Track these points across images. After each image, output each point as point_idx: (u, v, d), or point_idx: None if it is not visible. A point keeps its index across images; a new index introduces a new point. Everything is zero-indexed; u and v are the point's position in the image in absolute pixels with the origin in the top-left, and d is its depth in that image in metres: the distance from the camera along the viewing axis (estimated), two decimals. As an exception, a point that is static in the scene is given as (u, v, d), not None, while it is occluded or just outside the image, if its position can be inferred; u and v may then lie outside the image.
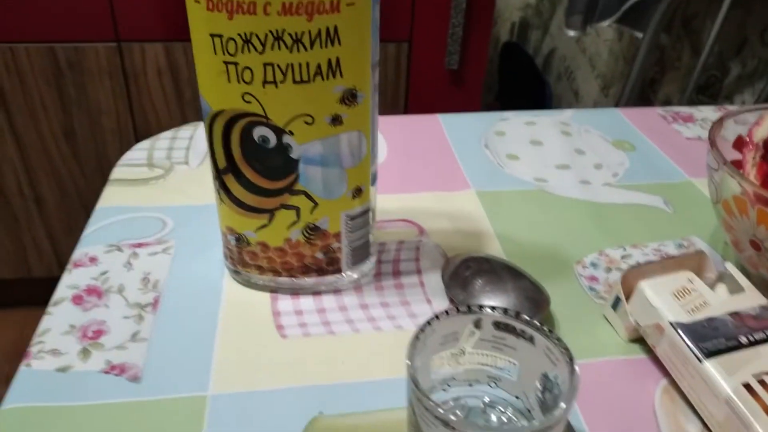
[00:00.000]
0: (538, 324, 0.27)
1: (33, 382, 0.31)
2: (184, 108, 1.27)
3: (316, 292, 0.38)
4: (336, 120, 0.32)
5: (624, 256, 0.42)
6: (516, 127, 0.57)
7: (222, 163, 0.33)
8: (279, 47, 0.29)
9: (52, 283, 1.47)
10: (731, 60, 1.16)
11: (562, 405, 0.24)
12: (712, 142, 0.37)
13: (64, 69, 1.19)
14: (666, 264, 0.35)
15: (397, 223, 0.44)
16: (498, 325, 0.28)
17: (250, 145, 0.32)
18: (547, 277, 0.40)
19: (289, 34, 0.29)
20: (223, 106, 0.31)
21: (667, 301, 0.33)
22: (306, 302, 0.37)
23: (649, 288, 0.33)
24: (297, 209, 0.34)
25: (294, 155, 0.32)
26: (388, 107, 1.34)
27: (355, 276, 0.38)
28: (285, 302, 0.37)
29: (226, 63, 0.30)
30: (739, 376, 0.29)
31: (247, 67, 0.30)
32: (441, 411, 0.23)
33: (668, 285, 0.34)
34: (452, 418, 0.23)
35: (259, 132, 0.32)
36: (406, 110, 1.35)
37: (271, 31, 0.29)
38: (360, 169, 0.34)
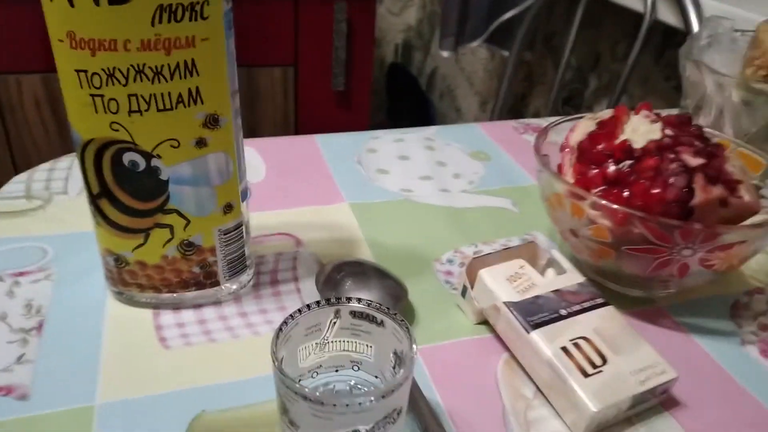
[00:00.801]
0: (386, 309, 0.31)
1: None
2: (66, 139, 1.24)
3: (196, 305, 0.41)
4: (201, 143, 0.35)
5: (476, 252, 0.48)
6: (386, 144, 0.63)
7: (95, 188, 0.36)
8: (141, 79, 0.32)
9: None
10: (589, 73, 1.29)
11: (401, 371, 0.28)
12: (536, 148, 0.44)
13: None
14: (502, 254, 0.41)
15: (275, 236, 0.48)
16: (354, 314, 0.32)
17: (121, 170, 0.35)
18: (409, 274, 0.44)
19: (150, 68, 0.32)
20: (93, 135, 0.34)
21: (501, 284, 0.39)
22: (187, 315, 0.40)
23: (487, 275, 0.39)
24: (171, 227, 0.37)
25: (163, 177, 0.35)
26: (279, 129, 1.37)
27: (234, 287, 0.41)
28: (167, 316, 0.40)
29: (92, 95, 0.32)
30: (558, 342, 0.35)
31: (113, 99, 0.33)
32: (297, 385, 0.27)
33: (503, 271, 0.39)
34: (307, 390, 0.27)
35: (128, 157, 0.34)
36: (297, 132, 1.39)
37: (132, 65, 0.32)
38: (228, 186, 0.37)
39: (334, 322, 0.32)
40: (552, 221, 0.44)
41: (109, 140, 0.34)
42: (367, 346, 0.33)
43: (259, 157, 0.58)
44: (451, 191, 0.55)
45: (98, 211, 0.37)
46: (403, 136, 0.64)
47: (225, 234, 0.39)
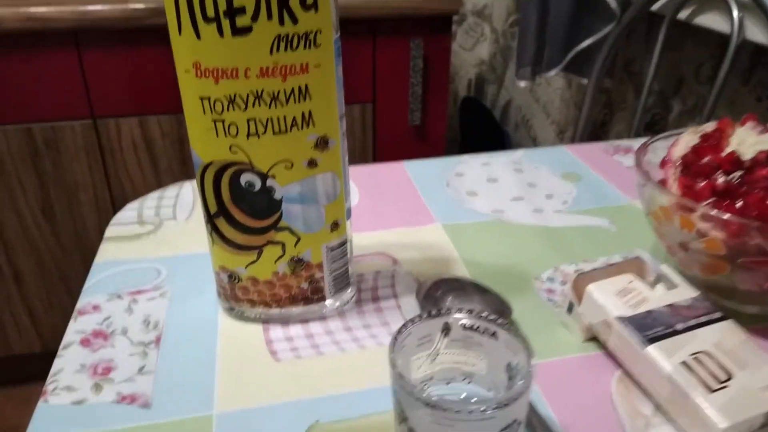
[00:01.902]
0: (498, 321, 0.31)
1: (51, 416, 0.34)
2: (160, 177, 1.31)
3: (303, 320, 0.42)
4: (312, 163, 0.37)
5: (576, 270, 0.47)
6: (473, 168, 0.63)
7: (213, 208, 0.38)
8: (259, 104, 0.34)
9: (33, 359, 1.46)
10: (672, 98, 1.26)
11: (521, 381, 0.28)
12: (638, 162, 0.43)
13: (41, 148, 1.23)
14: (609, 270, 0.40)
15: (372, 256, 0.49)
16: (465, 326, 0.32)
17: (238, 190, 0.37)
18: (509, 292, 0.44)
19: (268, 93, 0.34)
20: (213, 158, 0.36)
21: (611, 299, 0.38)
22: (295, 329, 0.41)
23: (596, 290, 0.38)
24: (282, 244, 0.39)
25: (277, 196, 0.37)
26: (358, 162, 1.40)
27: (338, 303, 0.42)
28: (276, 331, 0.41)
29: (214, 121, 0.35)
30: (677, 357, 0.34)
31: (233, 123, 0.35)
32: (419, 392, 0.27)
33: (612, 286, 0.39)
34: (431, 397, 0.27)
35: (245, 178, 0.36)
36: (375, 165, 1.41)
37: (251, 92, 0.34)
38: (336, 205, 0.39)
39: (446, 333, 0.33)
40: (657, 237, 0.43)
41: (228, 162, 0.36)
42: (479, 358, 0.33)
43: (351, 183, 0.60)
44: (544, 211, 0.55)
45: (215, 229, 0.39)
46: (489, 160, 0.65)
47: (332, 250, 0.40)
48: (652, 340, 0.35)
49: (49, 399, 0.36)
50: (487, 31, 1.92)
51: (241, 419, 0.34)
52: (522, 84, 1.27)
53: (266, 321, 0.42)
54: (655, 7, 1.06)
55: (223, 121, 0.35)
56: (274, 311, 0.41)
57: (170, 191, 0.58)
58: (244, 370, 0.38)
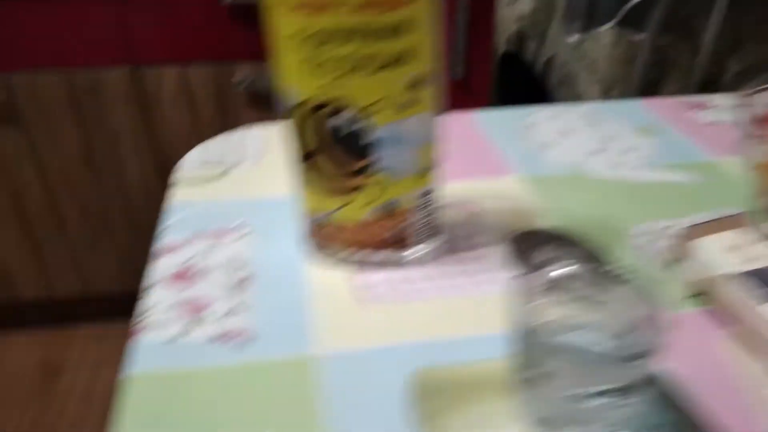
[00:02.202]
0: (621, 274, 0.30)
1: (147, 353, 0.34)
2: (201, 128, 1.30)
3: (390, 267, 0.41)
4: (409, 103, 0.35)
5: (667, 226, 0.45)
6: (544, 120, 0.61)
7: (306, 149, 0.37)
8: (360, 40, 0.33)
9: (74, 302, 1.49)
10: (729, 57, 1.21)
11: (653, 333, 0.27)
12: (744, 113, 0.41)
13: (83, 94, 1.22)
14: (717, 224, 0.38)
15: (454, 206, 0.47)
16: (584, 275, 0.31)
17: (333, 131, 0.35)
18: (604, 245, 0.43)
19: (369, 28, 0.32)
20: (309, 96, 0.35)
21: (722, 255, 0.36)
22: (382, 275, 0.40)
23: (705, 245, 0.37)
24: (375, 188, 0.37)
25: (373, 137, 0.36)
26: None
27: (425, 251, 0.41)
28: (363, 276, 0.40)
29: (311, 57, 0.33)
30: (792, 315, 0.33)
31: (331, 59, 0.33)
32: (563, 336, 0.26)
33: (721, 242, 0.37)
34: (578, 339, 0.26)
35: (342, 117, 0.35)
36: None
37: (353, 26, 0.32)
38: (428, 149, 0.38)
39: (561, 283, 0.32)
40: (758, 193, 0.41)
41: (324, 101, 0.35)
42: (600, 310, 0.32)
43: (420, 132, 0.58)
44: (625, 166, 0.53)
45: (307, 172, 0.38)
46: (560, 112, 0.63)
47: (423, 196, 0.39)
48: None
49: (142, 336, 0.35)
50: (532, -16, 1.85)
51: (342, 362, 0.34)
52: (571, 39, 1.23)
53: (351, 265, 0.41)
54: (723, -42, 1.01)
55: (323, 56, 0.33)
56: (361, 256, 0.40)
57: (236, 135, 0.57)
58: (338, 314, 0.37)
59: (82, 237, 1.37)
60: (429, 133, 0.37)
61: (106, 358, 1.38)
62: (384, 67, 0.33)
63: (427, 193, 0.39)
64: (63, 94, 1.21)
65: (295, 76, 0.35)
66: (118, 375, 1.33)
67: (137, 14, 1.14)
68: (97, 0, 1.12)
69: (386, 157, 0.36)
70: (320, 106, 0.35)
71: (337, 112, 0.35)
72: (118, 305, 1.51)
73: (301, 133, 0.36)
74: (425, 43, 0.34)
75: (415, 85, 0.35)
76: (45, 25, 1.13)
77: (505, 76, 1.90)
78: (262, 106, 1.29)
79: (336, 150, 0.36)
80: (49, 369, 1.36)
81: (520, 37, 1.96)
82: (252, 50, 1.21)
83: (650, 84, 1.41)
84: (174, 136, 1.30)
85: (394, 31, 0.33)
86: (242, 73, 1.23)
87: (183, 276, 0.40)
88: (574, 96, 1.75)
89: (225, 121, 1.29)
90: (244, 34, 1.18)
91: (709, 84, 1.25)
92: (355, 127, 0.35)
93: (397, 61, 0.34)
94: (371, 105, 0.35)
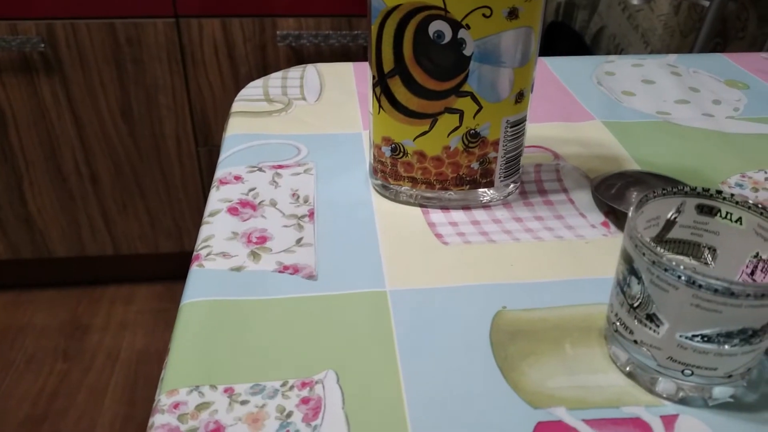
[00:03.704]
0: (748, 202, 0.26)
1: (209, 280, 0.31)
2: (240, 84, 1.27)
3: (465, 207, 0.37)
4: (512, 14, 0.31)
5: (766, 178, 0.41)
6: (624, 68, 0.56)
7: (389, 64, 0.33)
8: (468, -67, 0.29)
9: (104, 261, 1.48)
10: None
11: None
12: None
13: (123, 45, 1.20)
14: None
15: (531, 148, 0.44)
16: (702, 208, 0.27)
17: (424, 42, 0.32)
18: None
19: None
20: (401, 0, 0.31)
21: None
22: (458, 215, 0.37)
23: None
24: (461, 113, 0.34)
25: (467, 52, 0.32)
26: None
27: (507, 191, 0.38)
28: (437, 215, 0.37)
29: (410, -48, 0.29)
30: None
31: (432, -44, 0.29)
32: (683, 267, 0.22)
33: None
34: (694, 272, 0.22)
35: (435, 27, 0.31)
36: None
37: None
38: (526, 71, 0.34)
39: (675, 217, 0.28)
40: None
41: (417, 4, 0.31)
42: (708, 248, 0.28)
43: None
44: (715, 116, 0.48)
45: (386, 92, 0.34)
46: (640, 61, 0.58)
47: (512, 126, 0.35)
48: None
49: (204, 263, 0.33)
50: (584, -50, 1.78)
51: (417, 298, 0.31)
52: (635, 2, 1.17)
53: (424, 204, 0.37)
54: None
55: (420, -46, 0.29)
56: (435, 194, 0.37)
57: (293, 72, 0.54)
58: (412, 251, 0.34)
59: (114, 196, 1.36)
60: (529, 51, 0.33)
61: (134, 319, 1.37)
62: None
63: (517, 122, 0.35)
64: (103, 44, 1.19)
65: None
66: (144, 336, 1.33)
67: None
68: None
69: (479, 77, 0.33)
70: (412, 13, 0.31)
71: (432, 19, 0.31)
72: (147, 267, 1.51)
73: (385, 44, 0.33)
74: (530, -52, 0.30)
75: (516, -5, 0.31)
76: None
77: (553, 45, 1.83)
78: (305, 62, 1.25)
79: (424, 66, 0.33)
80: (75, 328, 1.36)
81: (569, 7, 1.89)
82: (296, 4, 1.18)
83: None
84: (213, 91, 1.27)
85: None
86: (285, 28, 1.19)
87: (245, 206, 0.37)
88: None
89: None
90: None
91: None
92: (449, 38, 0.32)
93: (499, -35, 0.30)
94: (471, 12, 0.31)
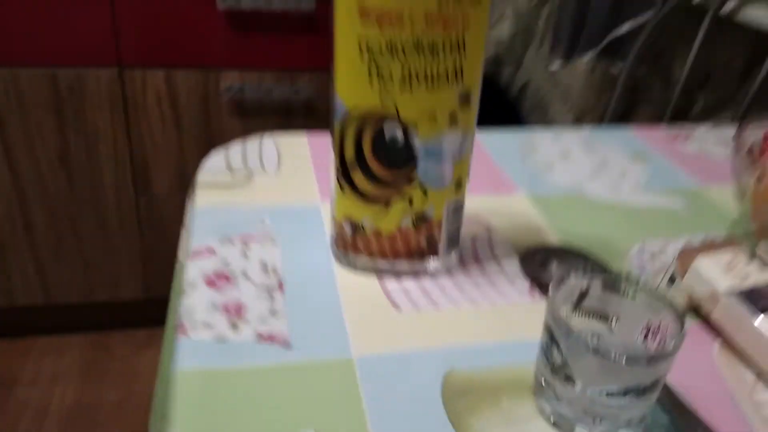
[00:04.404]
0: (639, 283, 0.33)
1: (196, 351, 0.36)
2: (182, 134, 1.30)
3: (414, 275, 0.43)
4: (452, 118, 0.38)
5: (662, 247, 0.49)
6: (545, 142, 0.65)
7: (350, 157, 0.39)
8: (418, 53, 0.35)
9: (35, 311, 1.45)
10: (698, 92, 1.28)
11: (672, 339, 0.30)
12: (739, 145, 0.45)
13: (65, 94, 1.21)
14: (712, 245, 0.42)
15: (466, 220, 0.50)
16: (606, 286, 0.34)
17: (380, 140, 0.38)
18: (607, 261, 0.46)
19: (428, 43, 0.35)
20: (360, 105, 0.37)
21: (718, 273, 0.40)
22: (409, 284, 0.43)
23: (703, 264, 0.40)
24: (410, 198, 0.40)
25: (416, 149, 0.38)
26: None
27: (447, 262, 0.44)
28: (392, 283, 0.42)
29: (370, 67, 0.36)
30: (787, 328, 0.36)
31: (389, 71, 0.36)
32: (590, 340, 0.29)
33: (717, 261, 0.41)
34: (599, 342, 0.29)
35: (390, 129, 0.37)
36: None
37: (412, 39, 0.35)
38: (463, 163, 0.40)
39: (585, 293, 0.34)
40: (751, 217, 0.45)
41: (375, 112, 0.37)
42: (608, 320, 0.35)
43: (429, 149, 0.61)
44: (621, 189, 0.57)
45: (347, 179, 0.40)
46: (559, 135, 0.66)
47: (452, 208, 0.41)
48: (763, 311, 0.37)
49: (190, 334, 0.37)
50: (509, 11, 1.92)
51: (380, 363, 0.36)
52: (554, 67, 1.29)
53: (379, 272, 0.43)
54: None
55: (379, 68, 0.35)
56: (388, 264, 0.43)
57: (252, 143, 0.59)
58: (370, 318, 0.39)
59: (48, 243, 1.34)
60: (466, 148, 0.39)
61: (64, 372, 1.34)
62: (436, 81, 0.36)
63: (456, 205, 0.42)
64: (44, 93, 1.20)
65: (352, 85, 0.37)
66: (75, 389, 1.30)
67: (128, 15, 1.14)
68: None
69: (426, 169, 0.39)
70: (371, 116, 0.37)
71: (387, 123, 0.37)
72: (79, 317, 1.48)
73: (347, 141, 0.38)
74: (475, 61, 0.37)
75: (461, 100, 0.38)
76: (31, 22, 1.12)
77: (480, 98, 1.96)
78: (246, 114, 1.30)
79: (380, 159, 0.38)
80: (3, 381, 1.31)
81: (497, 61, 2.02)
82: (240, 58, 1.22)
83: (622, 114, 1.48)
84: (154, 141, 1.29)
85: (450, 49, 0.35)
86: (229, 80, 1.23)
87: (220, 277, 0.41)
88: (546, 122, 1.81)
89: (208, 129, 1.29)
90: (235, 41, 1.19)
91: (679, 116, 1.33)
92: (402, 138, 0.38)
93: (448, 76, 0.36)
94: (420, 117, 0.37)
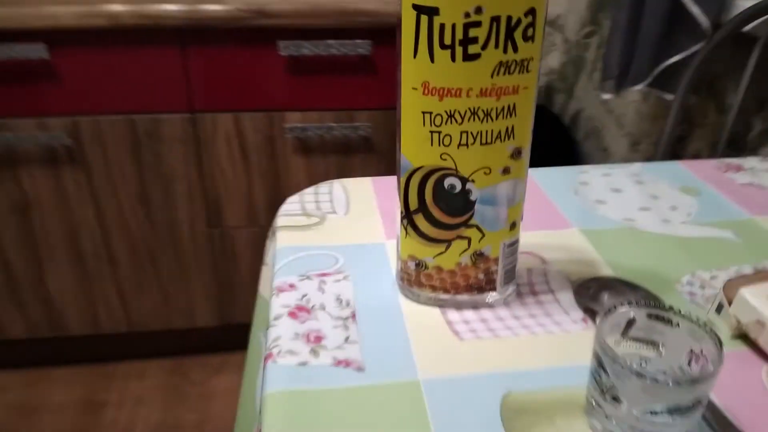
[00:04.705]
0: (683, 312, 0.37)
1: (282, 374, 0.41)
2: (251, 171, 1.38)
3: (474, 307, 0.48)
4: (506, 171, 0.42)
5: (712, 276, 0.52)
6: (596, 178, 0.68)
7: (414, 205, 0.44)
8: (473, 119, 0.40)
9: (119, 339, 1.55)
10: (753, 117, 1.28)
11: (711, 363, 0.33)
12: (782, 181, 0.48)
13: (142, 138, 1.31)
14: (757, 276, 0.45)
15: (522, 254, 0.54)
16: (651, 316, 0.38)
17: (441, 191, 0.43)
18: (655, 292, 0.49)
19: (482, 110, 0.40)
20: (423, 163, 0.42)
21: (763, 302, 0.43)
22: (469, 314, 0.47)
23: (748, 293, 0.43)
24: (469, 239, 0.45)
25: (472, 197, 0.43)
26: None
27: (505, 294, 0.48)
28: (453, 314, 0.47)
29: (431, 132, 0.41)
30: (829, 355, 0.39)
31: (448, 134, 0.41)
32: (634, 366, 0.33)
33: (763, 290, 0.43)
34: (644, 368, 0.32)
35: (449, 181, 0.42)
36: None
37: (469, 108, 0.40)
38: (516, 208, 0.45)
39: (632, 322, 0.38)
40: (796, 249, 0.48)
41: (436, 167, 0.42)
42: (656, 346, 0.38)
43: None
44: (671, 222, 0.60)
45: (411, 224, 0.45)
46: (609, 171, 0.70)
47: (507, 247, 0.46)
48: (805, 339, 0.40)
49: (277, 360, 0.42)
50: (559, 40, 1.95)
51: (444, 385, 0.40)
52: (605, 96, 1.31)
53: (441, 305, 0.48)
54: (747, 27, 1.09)
55: (439, 133, 0.41)
56: (449, 297, 0.47)
57: (323, 188, 0.65)
58: (435, 345, 0.44)
59: (130, 275, 1.45)
60: (518, 195, 0.44)
61: (147, 395, 1.43)
62: (491, 141, 0.41)
63: (511, 244, 0.46)
64: (124, 137, 1.30)
65: (415, 146, 0.42)
66: (158, 411, 1.39)
67: (198, 63, 1.23)
68: (162, 49, 1.21)
69: (481, 214, 0.44)
70: (433, 171, 0.42)
71: (446, 176, 0.42)
72: (158, 343, 1.58)
73: (411, 192, 0.44)
74: (526, 122, 0.42)
75: (513, 155, 0.42)
76: (109, 72, 1.23)
77: (534, 127, 1.99)
78: (309, 151, 1.37)
79: (440, 207, 0.43)
80: (91, 405, 1.41)
81: (549, 91, 2.05)
82: (301, 100, 1.30)
83: (677, 140, 1.49)
84: (225, 178, 1.38)
85: (503, 113, 0.40)
86: (292, 121, 1.32)
87: (301, 310, 0.47)
88: (600, 148, 1.83)
89: (274, 165, 1.37)
90: (296, 84, 1.27)
91: (735, 142, 1.33)
92: (459, 189, 0.43)
93: (502, 136, 0.41)
94: (475, 172, 0.42)
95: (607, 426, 0.36)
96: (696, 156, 1.40)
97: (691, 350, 0.37)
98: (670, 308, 0.37)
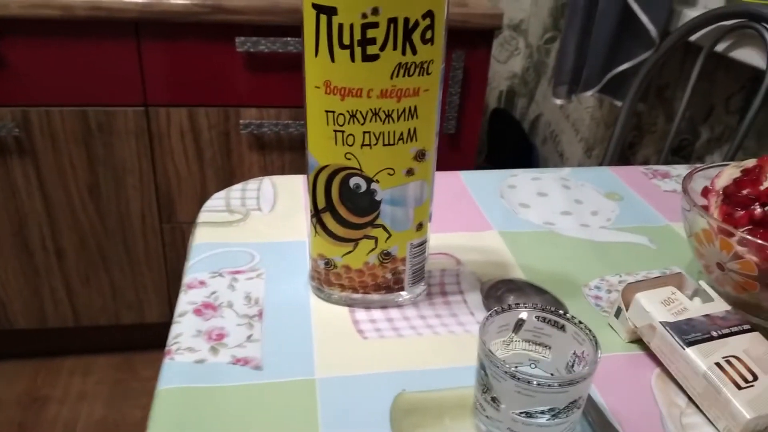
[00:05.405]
0: (567, 316, 0.37)
1: (178, 371, 0.41)
2: (204, 167, 1.37)
3: (383, 306, 0.48)
4: (410, 172, 0.43)
5: (620, 281, 0.53)
6: (524, 181, 0.69)
7: (322, 204, 0.44)
8: (375, 120, 0.40)
9: (65, 333, 1.53)
10: (701, 125, 1.31)
11: (587, 365, 0.34)
12: (685, 189, 0.49)
13: (94, 130, 1.29)
14: (654, 281, 0.46)
15: (438, 255, 0.55)
16: (538, 318, 0.38)
17: (347, 191, 0.43)
18: (561, 295, 0.50)
19: (383, 111, 0.40)
20: (329, 162, 0.42)
21: (657, 307, 0.44)
22: (376, 313, 0.47)
23: (643, 298, 0.44)
24: (375, 239, 0.45)
25: (378, 198, 0.43)
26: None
27: (413, 294, 0.49)
28: (360, 313, 0.47)
29: (335, 131, 0.41)
30: (712, 358, 0.40)
31: (351, 134, 0.41)
32: (507, 366, 0.33)
33: (657, 296, 0.45)
34: (516, 369, 0.33)
35: (354, 181, 0.43)
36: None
37: (371, 109, 0.40)
38: (422, 209, 0.45)
39: (521, 324, 0.39)
40: (696, 256, 0.49)
41: (341, 167, 0.42)
42: (545, 347, 0.39)
43: (414, 188, 0.66)
44: (590, 226, 0.61)
45: (320, 222, 0.45)
46: (539, 175, 0.71)
47: (415, 247, 0.46)
48: (691, 343, 0.41)
49: (174, 357, 0.42)
50: (522, 45, 1.97)
51: (339, 384, 0.41)
52: (558, 102, 1.33)
53: (351, 304, 0.48)
54: (693, 37, 1.12)
55: (342, 132, 0.41)
56: (359, 296, 0.47)
57: (251, 185, 0.65)
58: (337, 344, 0.44)
59: (78, 269, 1.42)
60: (423, 195, 0.44)
61: (92, 390, 1.41)
62: (394, 142, 0.41)
63: (418, 244, 0.46)
64: (75, 129, 1.28)
65: (321, 145, 0.42)
66: (101, 407, 1.37)
67: (152, 57, 1.22)
68: (116, 42, 1.19)
69: (387, 214, 0.44)
70: (338, 170, 0.43)
71: (351, 176, 0.43)
72: (106, 339, 1.56)
73: (319, 191, 0.44)
74: (428, 125, 0.42)
75: (416, 157, 0.43)
76: (62, 63, 1.20)
77: (494, 130, 2.01)
78: (264, 148, 1.37)
79: (347, 206, 0.44)
80: (33, 400, 1.39)
81: (511, 95, 2.07)
82: (258, 96, 1.30)
83: (629, 147, 1.52)
84: (178, 173, 1.37)
85: (404, 115, 0.41)
86: (247, 117, 1.31)
87: (207, 307, 0.47)
88: (558, 153, 1.85)
89: (228, 161, 1.36)
90: (254, 80, 1.27)
91: (683, 149, 1.36)
92: (364, 189, 0.43)
93: (404, 138, 0.41)
94: (380, 172, 0.42)
95: (489, 427, 0.36)
96: (645, 162, 1.43)
97: (575, 352, 0.37)
98: (559, 311, 0.38)
